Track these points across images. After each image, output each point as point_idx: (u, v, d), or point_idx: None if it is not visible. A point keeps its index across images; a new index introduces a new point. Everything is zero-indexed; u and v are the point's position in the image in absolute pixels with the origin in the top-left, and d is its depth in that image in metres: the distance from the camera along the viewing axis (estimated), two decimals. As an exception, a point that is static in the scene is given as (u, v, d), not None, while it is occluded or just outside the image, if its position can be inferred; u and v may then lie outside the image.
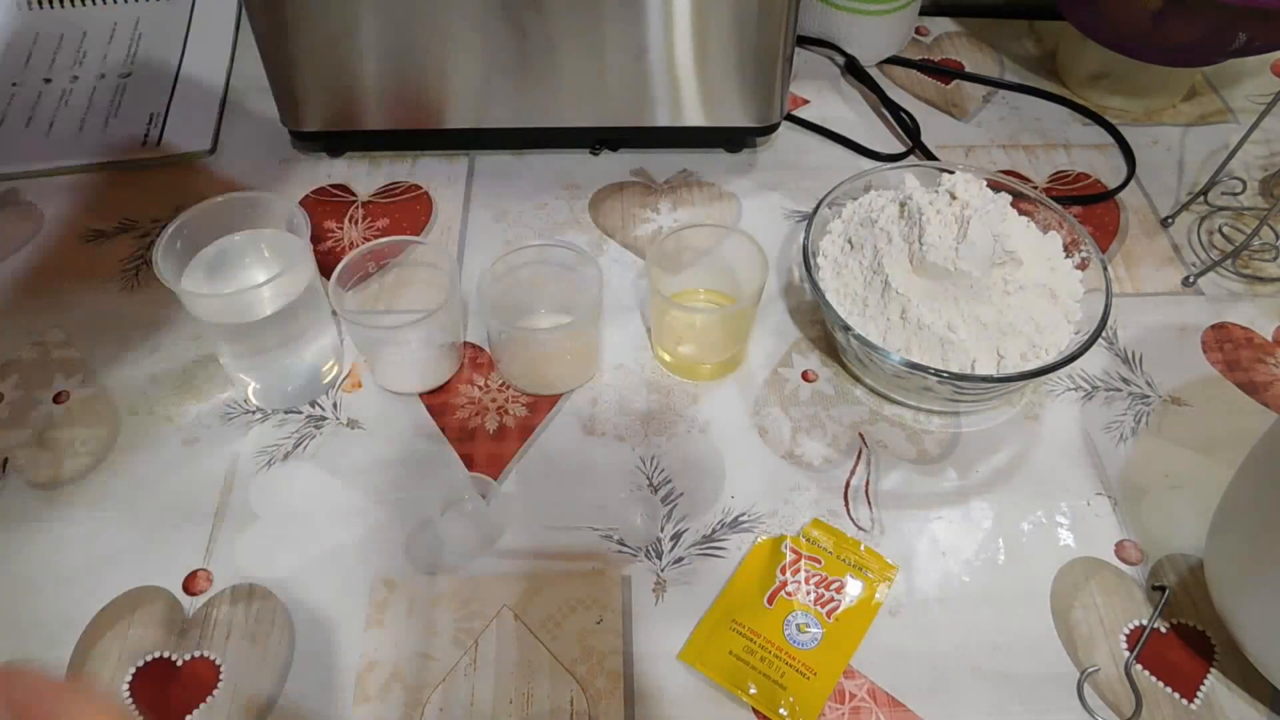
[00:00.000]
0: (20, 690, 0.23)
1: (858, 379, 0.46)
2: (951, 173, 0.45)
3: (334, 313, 0.45)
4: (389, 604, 0.39)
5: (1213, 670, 0.37)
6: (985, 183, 0.45)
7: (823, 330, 0.48)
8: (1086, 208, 0.55)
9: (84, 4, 0.67)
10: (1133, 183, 0.57)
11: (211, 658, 0.37)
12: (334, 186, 0.55)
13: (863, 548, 0.40)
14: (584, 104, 0.53)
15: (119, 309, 0.49)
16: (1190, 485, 0.43)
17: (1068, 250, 0.45)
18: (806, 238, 0.45)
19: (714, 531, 0.41)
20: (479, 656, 0.37)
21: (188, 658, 0.37)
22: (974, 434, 0.44)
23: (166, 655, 0.37)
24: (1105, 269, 0.43)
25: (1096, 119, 0.61)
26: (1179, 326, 0.49)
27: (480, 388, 0.46)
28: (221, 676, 0.37)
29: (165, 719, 0.36)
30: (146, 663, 0.37)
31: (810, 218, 0.46)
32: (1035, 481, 0.43)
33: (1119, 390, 0.46)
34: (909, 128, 0.59)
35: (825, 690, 0.36)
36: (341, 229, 0.53)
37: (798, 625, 0.37)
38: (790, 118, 0.59)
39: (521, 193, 0.55)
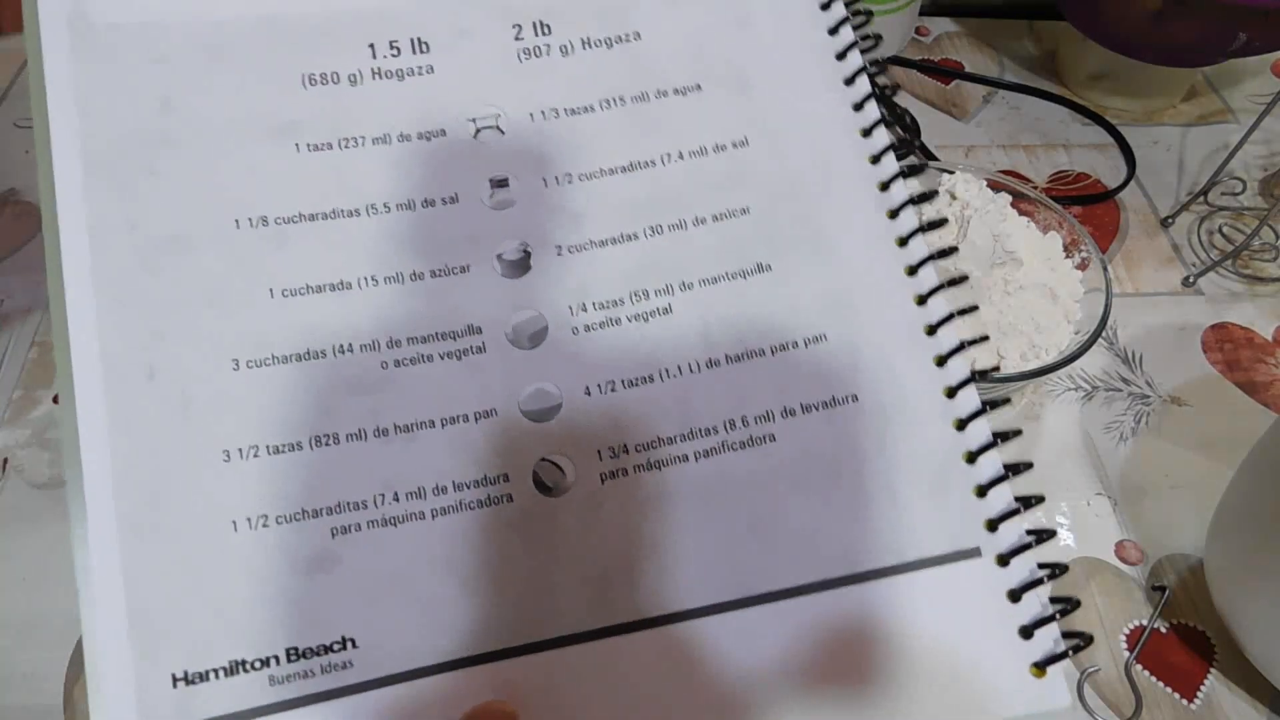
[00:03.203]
0: None
1: (858, 379, 0.46)
2: (951, 173, 0.45)
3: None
4: (389, 604, 0.38)
5: (1213, 670, 0.37)
6: (985, 183, 0.45)
7: (823, 330, 0.48)
8: (1086, 208, 0.55)
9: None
10: (1133, 183, 0.57)
11: (211, 658, 0.37)
12: (334, 186, 0.55)
13: (863, 548, 0.40)
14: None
15: (119, 309, 0.49)
16: (1190, 485, 0.43)
17: (1068, 250, 0.45)
18: (806, 238, 0.45)
19: (714, 531, 0.41)
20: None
21: (188, 658, 0.37)
22: (974, 434, 0.44)
23: (166, 655, 0.37)
24: (1105, 269, 0.43)
25: (1096, 119, 0.61)
26: (1179, 326, 0.49)
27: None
28: (221, 676, 0.37)
29: (165, 719, 0.36)
30: (146, 663, 0.37)
31: (810, 218, 0.46)
32: (1035, 482, 0.43)
33: (1119, 390, 0.46)
34: (909, 128, 0.59)
35: (825, 690, 0.36)
36: (341, 229, 0.53)
37: (798, 625, 0.37)
38: (790, 118, 0.59)
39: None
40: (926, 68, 0.64)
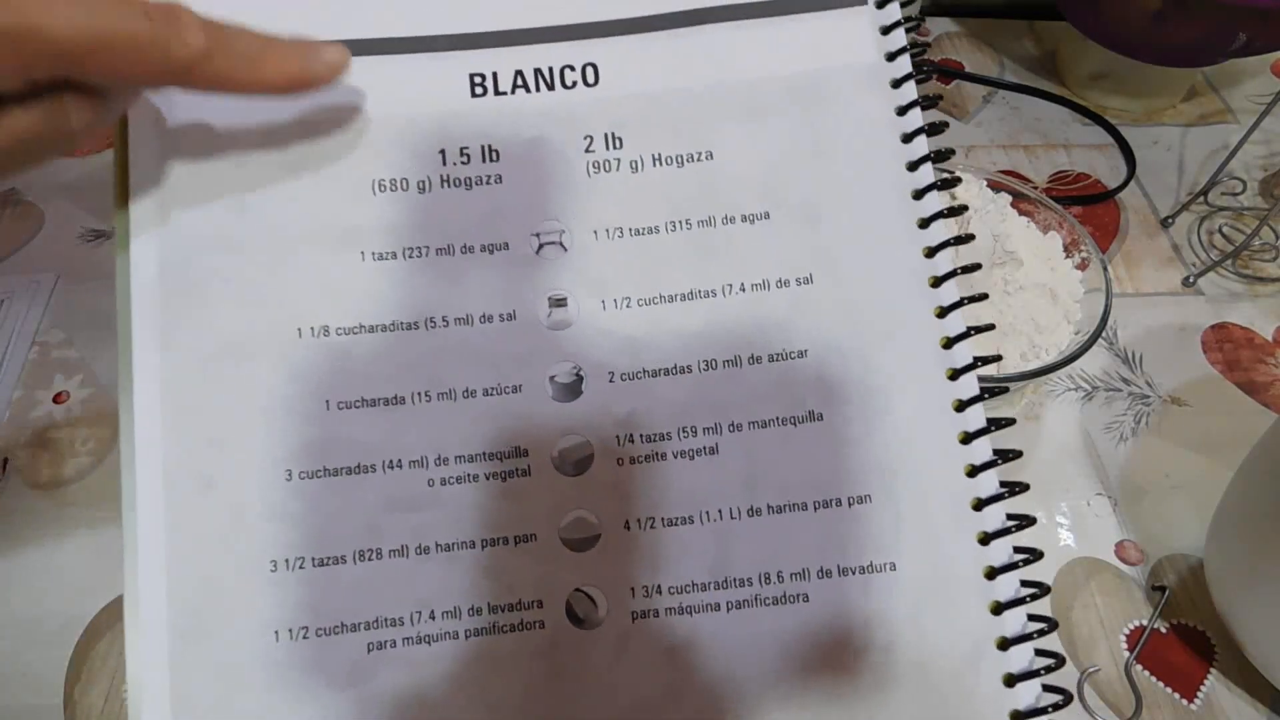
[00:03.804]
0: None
1: (858, 379, 0.46)
2: (951, 173, 0.44)
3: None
4: (389, 604, 0.38)
5: (1213, 670, 0.37)
6: (985, 183, 0.45)
7: (823, 330, 0.48)
8: (1086, 208, 0.55)
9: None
10: (1133, 183, 0.57)
11: (211, 658, 0.37)
12: (334, 186, 0.55)
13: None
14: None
15: (119, 309, 0.49)
16: (1190, 485, 0.43)
17: (1068, 250, 0.45)
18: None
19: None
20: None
21: (188, 658, 0.37)
22: (974, 434, 0.44)
23: (166, 655, 0.37)
24: (1105, 269, 0.43)
25: (1096, 119, 0.61)
26: (1179, 326, 0.49)
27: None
28: (221, 676, 0.37)
29: (165, 719, 0.36)
30: (146, 663, 0.37)
31: (810, 218, 0.46)
32: (1035, 481, 0.42)
33: (1119, 390, 0.46)
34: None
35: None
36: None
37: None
38: (790, 118, 0.59)
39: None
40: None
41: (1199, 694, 0.36)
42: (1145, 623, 0.38)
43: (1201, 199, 0.55)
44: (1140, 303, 0.50)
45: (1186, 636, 0.38)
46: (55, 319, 0.48)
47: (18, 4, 0.19)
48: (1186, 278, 0.51)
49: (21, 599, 0.39)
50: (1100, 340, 0.42)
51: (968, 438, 0.26)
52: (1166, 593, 0.39)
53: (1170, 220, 0.54)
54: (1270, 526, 0.32)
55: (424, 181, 0.27)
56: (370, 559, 0.24)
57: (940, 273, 0.26)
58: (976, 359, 0.26)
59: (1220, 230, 0.54)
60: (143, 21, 0.21)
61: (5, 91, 0.20)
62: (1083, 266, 0.45)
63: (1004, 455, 0.25)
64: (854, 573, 0.25)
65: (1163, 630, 0.38)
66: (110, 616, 0.38)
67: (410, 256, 0.26)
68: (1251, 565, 0.33)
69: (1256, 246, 0.53)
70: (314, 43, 0.24)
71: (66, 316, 0.49)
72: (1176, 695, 0.36)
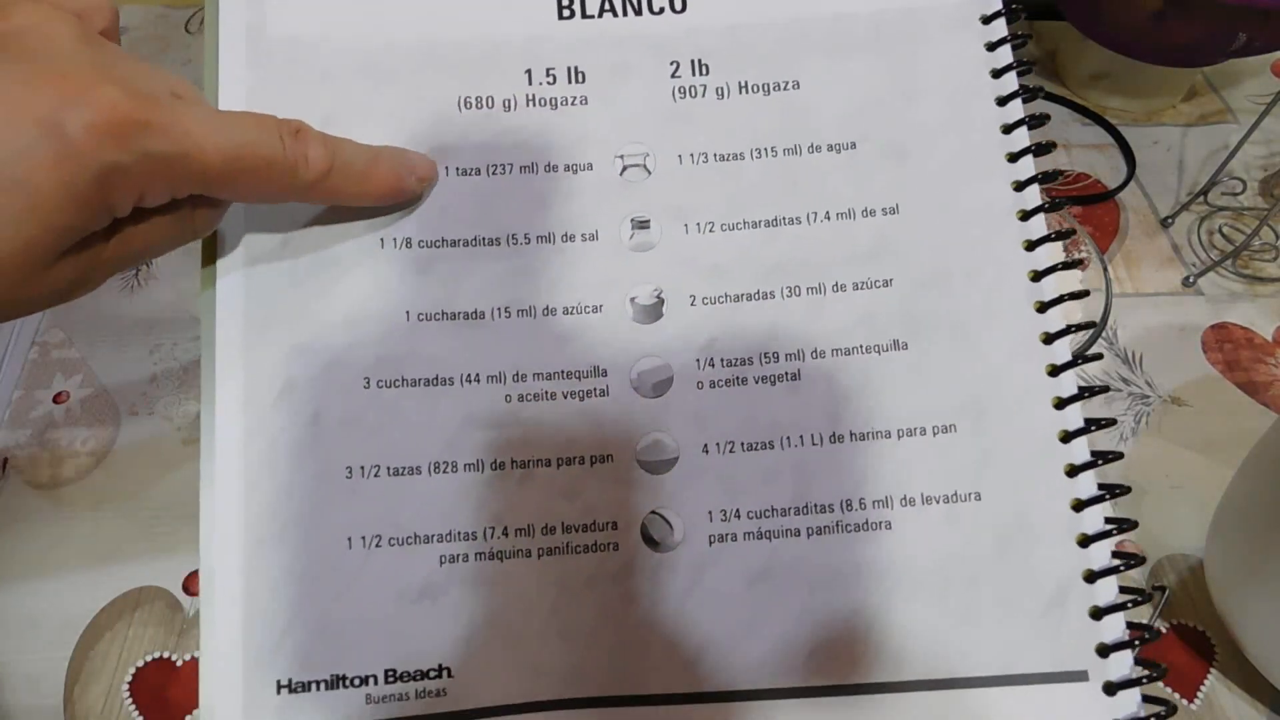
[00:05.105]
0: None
1: (858, 379, 0.46)
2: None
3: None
4: (389, 604, 0.38)
5: (1213, 670, 0.37)
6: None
7: (823, 330, 0.48)
8: (1086, 208, 0.55)
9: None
10: (1133, 183, 0.57)
11: (211, 658, 0.37)
12: (334, 186, 0.55)
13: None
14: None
15: (119, 309, 0.49)
16: (1190, 485, 0.43)
17: (1068, 250, 0.45)
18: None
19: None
20: (479, 656, 0.37)
21: (188, 658, 0.37)
22: (974, 434, 0.44)
23: (166, 655, 0.37)
24: (1105, 269, 0.43)
25: (1096, 119, 0.61)
26: (1179, 326, 0.49)
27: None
28: (221, 676, 0.37)
29: (165, 719, 0.36)
30: (146, 663, 0.37)
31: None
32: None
33: (1119, 390, 0.46)
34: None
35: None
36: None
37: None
38: (790, 118, 0.59)
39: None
40: (926, 68, 0.64)
41: (1199, 694, 0.36)
42: (1145, 623, 0.38)
43: (1201, 199, 0.55)
44: (1140, 303, 0.50)
45: (1186, 636, 0.38)
46: (55, 319, 0.48)
47: (177, 133, 0.20)
48: (1186, 278, 0.51)
49: (21, 599, 0.39)
50: (1100, 340, 0.42)
51: (1055, 370, 0.25)
52: (1166, 593, 0.39)
53: (1170, 220, 0.54)
54: (1270, 526, 0.32)
55: (509, 100, 0.27)
56: (445, 471, 0.24)
57: (1029, 206, 0.26)
58: (1063, 295, 0.26)
59: (1220, 230, 0.54)
60: (277, 144, 0.22)
61: (150, 205, 0.22)
62: (1083, 266, 0.45)
63: (1090, 390, 0.25)
64: (938, 502, 0.25)
65: (1163, 630, 0.38)
66: (110, 617, 0.38)
67: (494, 174, 0.26)
68: (1251, 565, 0.33)
69: (1256, 246, 0.53)
70: (408, 156, 0.25)
71: (66, 316, 0.48)
72: (1176, 695, 0.36)
